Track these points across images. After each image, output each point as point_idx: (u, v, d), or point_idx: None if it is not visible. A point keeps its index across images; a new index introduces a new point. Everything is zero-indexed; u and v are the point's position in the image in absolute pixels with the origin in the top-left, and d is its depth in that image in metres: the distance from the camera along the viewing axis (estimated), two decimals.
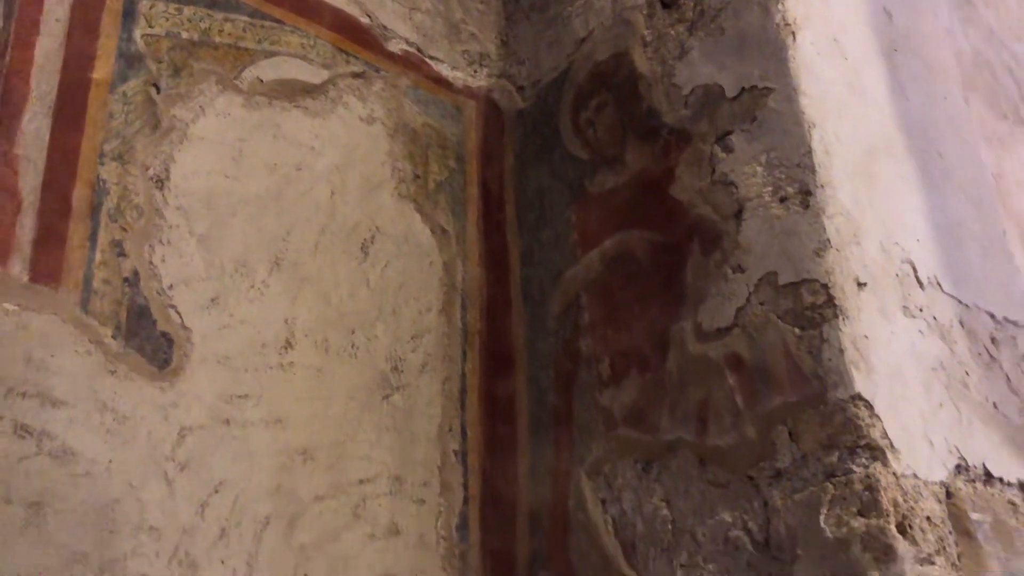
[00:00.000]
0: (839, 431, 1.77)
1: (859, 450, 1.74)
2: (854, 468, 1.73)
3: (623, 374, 2.26)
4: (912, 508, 1.73)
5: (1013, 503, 2.00)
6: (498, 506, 2.51)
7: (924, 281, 2.12)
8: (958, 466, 1.90)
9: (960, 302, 2.22)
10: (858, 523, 1.69)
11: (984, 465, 1.96)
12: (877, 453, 1.74)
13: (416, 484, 2.44)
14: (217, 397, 2.13)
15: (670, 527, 2.01)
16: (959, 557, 1.80)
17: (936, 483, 1.82)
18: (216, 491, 2.06)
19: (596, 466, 2.26)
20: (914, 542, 1.70)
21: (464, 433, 2.61)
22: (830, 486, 1.75)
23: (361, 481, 2.32)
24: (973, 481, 1.92)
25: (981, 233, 2.51)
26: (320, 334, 2.39)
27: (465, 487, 2.55)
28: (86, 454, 1.89)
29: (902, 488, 1.74)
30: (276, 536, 2.12)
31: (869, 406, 1.77)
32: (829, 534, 1.71)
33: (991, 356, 2.24)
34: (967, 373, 2.09)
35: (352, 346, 2.44)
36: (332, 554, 2.20)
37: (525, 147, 2.81)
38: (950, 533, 1.79)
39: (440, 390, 2.59)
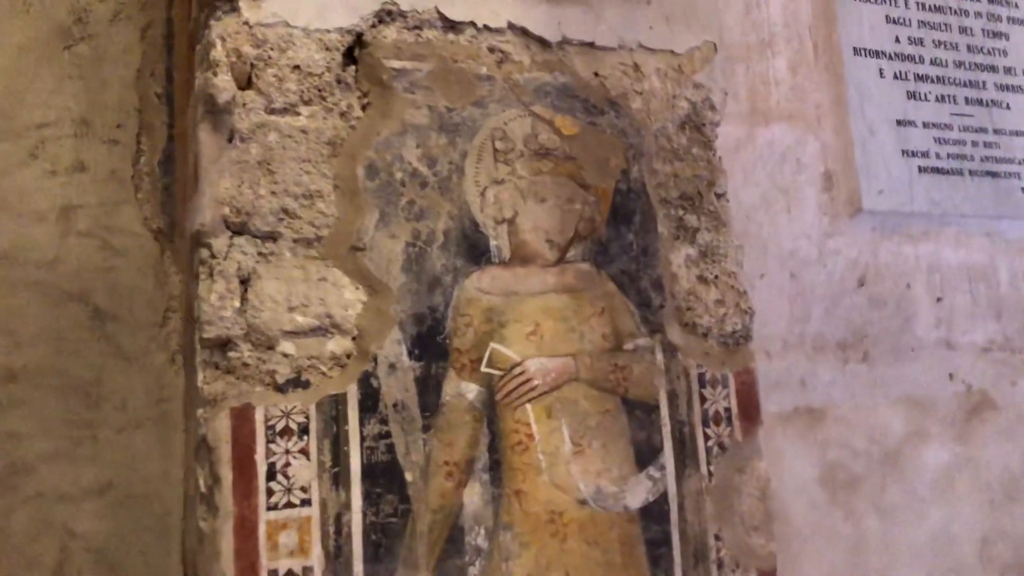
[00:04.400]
0: None
1: (218, 3, 1.64)
2: (212, 23, 1.64)
3: None
4: (270, 57, 1.63)
5: (500, 51, 1.78)
6: None
7: None
8: (388, 12, 1.71)
9: None
10: (200, 80, 1.63)
11: (438, 10, 1.74)
12: (235, 4, 1.63)
13: (108, 127, 2.61)
14: None
15: None
16: (364, 107, 1.68)
17: (331, 30, 1.67)
18: None
19: None
20: (261, 92, 1.62)
21: (170, 77, 2.71)
22: (199, 49, 1.68)
23: (40, 126, 2.53)
24: (417, 28, 1.72)
25: None
26: None
27: (170, 126, 2.68)
28: None
29: (256, 37, 1.62)
30: None
31: None
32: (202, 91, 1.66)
33: None
34: None
35: (24, 3, 2.57)
36: (4, 188, 2.48)
37: None
38: (339, 82, 1.67)
39: (139, 37, 2.68)
